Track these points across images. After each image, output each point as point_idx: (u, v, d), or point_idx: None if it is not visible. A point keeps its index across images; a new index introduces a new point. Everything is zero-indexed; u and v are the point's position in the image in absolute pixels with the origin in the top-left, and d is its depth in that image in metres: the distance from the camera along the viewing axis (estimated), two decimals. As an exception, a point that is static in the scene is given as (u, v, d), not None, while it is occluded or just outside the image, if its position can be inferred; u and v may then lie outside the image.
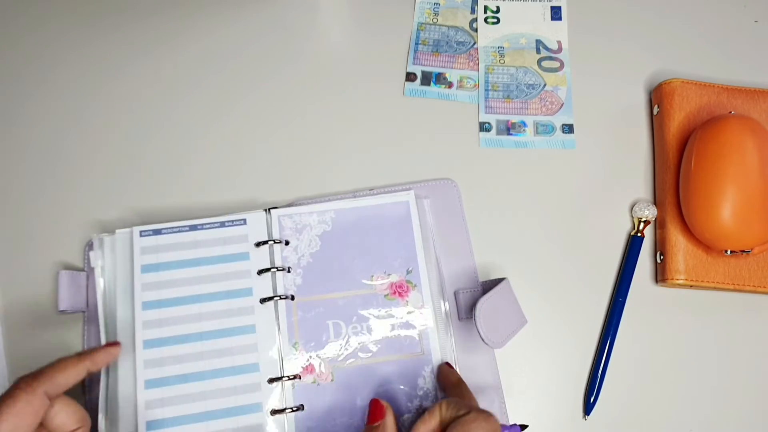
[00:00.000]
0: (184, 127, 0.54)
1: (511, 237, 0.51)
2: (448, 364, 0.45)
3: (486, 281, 0.48)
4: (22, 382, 0.37)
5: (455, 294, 0.48)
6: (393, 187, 0.51)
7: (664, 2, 0.58)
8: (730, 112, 0.50)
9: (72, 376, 0.39)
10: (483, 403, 0.44)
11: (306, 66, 0.56)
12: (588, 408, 0.47)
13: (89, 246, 0.49)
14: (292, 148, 0.53)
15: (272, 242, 0.47)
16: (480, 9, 0.58)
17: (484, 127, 0.54)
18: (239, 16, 0.57)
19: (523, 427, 0.39)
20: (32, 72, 0.56)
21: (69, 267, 0.49)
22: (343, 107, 0.55)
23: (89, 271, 0.48)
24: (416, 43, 0.57)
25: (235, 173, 0.52)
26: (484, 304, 0.44)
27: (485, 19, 0.57)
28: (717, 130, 0.47)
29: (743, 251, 0.46)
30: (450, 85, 0.55)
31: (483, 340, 0.43)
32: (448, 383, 0.44)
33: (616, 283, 0.50)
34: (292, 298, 0.46)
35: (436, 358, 0.45)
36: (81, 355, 0.40)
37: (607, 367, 0.47)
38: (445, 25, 0.57)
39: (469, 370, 0.46)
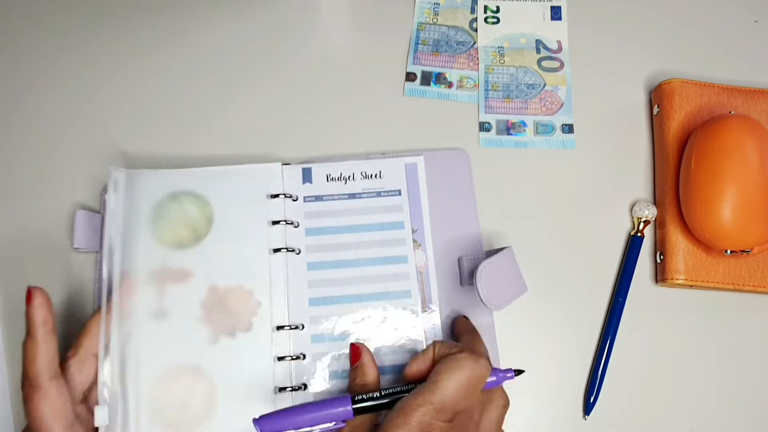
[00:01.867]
0: (186, 124, 0.54)
1: (511, 237, 0.51)
2: (464, 317, 0.47)
3: (489, 250, 0.48)
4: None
5: (459, 260, 0.49)
6: (405, 152, 0.52)
7: (664, 2, 0.58)
8: (730, 112, 0.50)
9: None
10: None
11: (305, 66, 0.56)
12: (588, 408, 0.47)
13: (104, 190, 0.50)
14: (292, 148, 0.53)
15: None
16: (480, 9, 0.58)
17: (483, 127, 0.54)
18: (238, 16, 0.57)
19: (519, 372, 0.40)
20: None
21: (86, 208, 0.51)
22: (342, 107, 0.55)
23: (105, 214, 0.49)
24: (416, 43, 0.57)
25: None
26: (486, 267, 0.44)
27: (485, 19, 0.57)
28: (717, 130, 0.47)
29: (743, 251, 0.46)
30: (450, 85, 0.55)
31: (482, 301, 0.44)
32: (463, 331, 0.45)
33: (616, 283, 0.50)
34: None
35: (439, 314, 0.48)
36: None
37: (607, 367, 0.47)
38: (445, 25, 0.57)
39: None
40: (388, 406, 0.38)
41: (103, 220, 0.49)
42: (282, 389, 0.45)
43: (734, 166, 0.45)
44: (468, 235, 0.50)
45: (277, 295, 0.47)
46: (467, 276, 0.48)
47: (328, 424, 0.38)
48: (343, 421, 0.38)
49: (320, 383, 0.46)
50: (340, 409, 0.38)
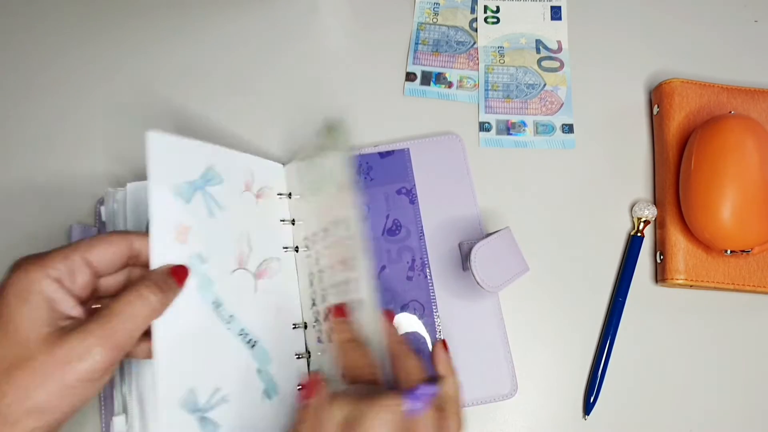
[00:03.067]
0: (183, 121, 0.54)
1: (511, 237, 0.51)
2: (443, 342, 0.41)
3: (490, 232, 0.48)
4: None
5: (459, 245, 0.49)
6: (396, 142, 0.52)
7: (663, 2, 0.58)
8: (730, 112, 0.50)
9: (112, 246, 0.37)
10: (488, 355, 0.46)
11: (306, 66, 0.56)
12: (588, 408, 0.47)
13: (100, 202, 0.50)
14: (290, 149, 0.53)
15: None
16: (480, 9, 0.58)
17: (484, 126, 0.54)
18: (239, 16, 0.58)
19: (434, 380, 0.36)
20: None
21: (81, 222, 0.50)
22: (342, 107, 0.54)
23: (100, 227, 0.49)
24: (416, 43, 0.57)
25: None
26: (481, 248, 0.44)
27: (485, 19, 0.57)
28: (717, 130, 0.47)
29: (743, 251, 0.46)
30: (450, 85, 0.55)
31: (478, 282, 0.43)
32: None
33: (616, 283, 0.50)
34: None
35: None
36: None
37: (607, 367, 0.47)
38: (445, 25, 0.57)
39: (473, 320, 0.47)
40: None
41: (98, 233, 0.49)
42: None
43: (734, 166, 0.45)
44: (467, 220, 0.50)
45: (292, 293, 0.46)
46: (466, 259, 0.48)
47: None
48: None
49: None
50: None
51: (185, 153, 0.41)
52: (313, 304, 0.46)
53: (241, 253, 0.43)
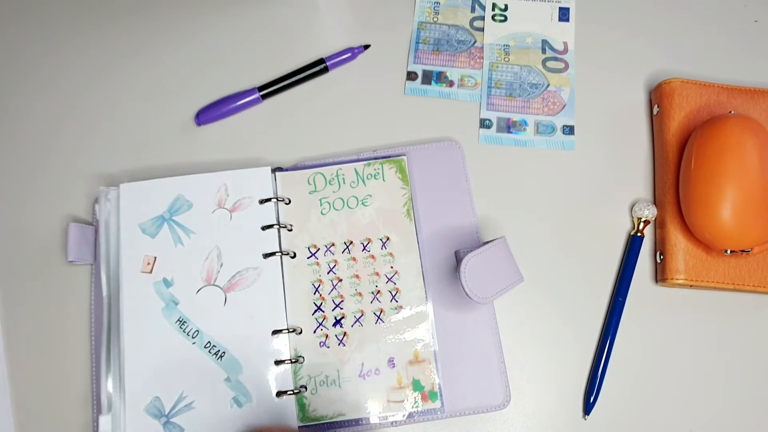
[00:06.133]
0: (183, 119, 0.54)
1: (510, 237, 0.51)
2: None
3: (485, 242, 0.48)
4: None
5: (456, 253, 0.48)
6: (395, 147, 0.52)
7: (663, 2, 0.58)
8: (730, 112, 0.50)
9: None
10: (481, 365, 0.46)
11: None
12: (588, 408, 0.47)
13: (97, 201, 0.50)
14: (292, 152, 0.53)
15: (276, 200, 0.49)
16: (488, 6, 0.57)
17: (484, 123, 0.54)
18: (238, 16, 0.57)
19: None
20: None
21: (78, 221, 0.50)
22: (343, 107, 0.54)
23: (97, 225, 0.49)
24: (417, 42, 0.56)
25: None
26: (472, 259, 0.44)
27: (493, 17, 0.57)
28: (717, 130, 0.47)
29: (743, 251, 0.46)
30: (451, 83, 0.55)
31: (467, 294, 0.43)
32: None
33: (616, 283, 0.50)
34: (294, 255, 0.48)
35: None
36: None
37: (607, 367, 0.47)
38: (446, 24, 0.57)
39: (467, 328, 0.47)
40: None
41: (96, 232, 0.49)
42: (281, 393, 0.45)
43: (734, 166, 0.45)
44: (464, 228, 0.50)
45: (274, 300, 0.46)
46: None
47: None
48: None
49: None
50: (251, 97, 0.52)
51: (153, 192, 0.48)
52: (317, 310, 0.46)
53: (210, 270, 0.46)
